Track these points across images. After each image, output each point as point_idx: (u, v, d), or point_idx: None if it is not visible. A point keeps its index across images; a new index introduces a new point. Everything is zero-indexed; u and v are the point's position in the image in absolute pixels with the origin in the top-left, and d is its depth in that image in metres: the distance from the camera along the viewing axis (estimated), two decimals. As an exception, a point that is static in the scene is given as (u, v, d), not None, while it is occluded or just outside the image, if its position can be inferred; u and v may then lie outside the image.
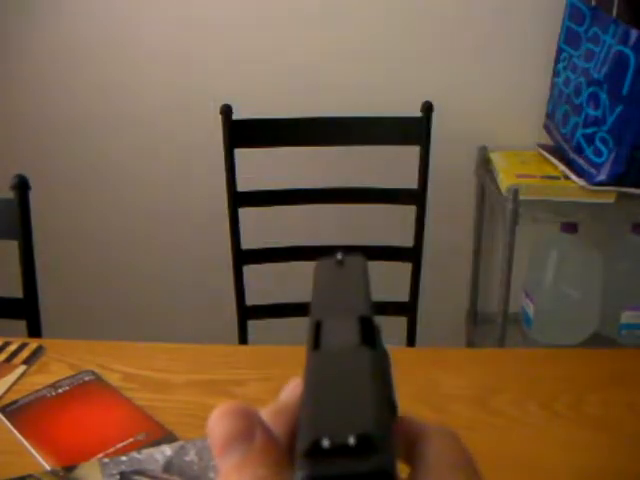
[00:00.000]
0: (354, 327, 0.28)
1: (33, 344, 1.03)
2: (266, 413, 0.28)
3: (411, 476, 0.27)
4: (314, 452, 0.22)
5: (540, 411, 0.88)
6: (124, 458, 0.79)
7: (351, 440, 0.22)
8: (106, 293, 1.99)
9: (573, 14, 1.59)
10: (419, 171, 1.46)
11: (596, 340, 1.67)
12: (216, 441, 0.25)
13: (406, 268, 1.51)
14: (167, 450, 0.80)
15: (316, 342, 0.28)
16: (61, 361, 0.99)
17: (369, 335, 0.28)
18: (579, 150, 1.53)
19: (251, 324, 1.53)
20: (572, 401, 0.90)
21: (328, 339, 0.28)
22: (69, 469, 0.78)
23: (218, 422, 0.26)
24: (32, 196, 1.22)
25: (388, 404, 0.27)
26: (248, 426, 0.25)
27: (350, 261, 0.35)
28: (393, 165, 1.71)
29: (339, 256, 0.35)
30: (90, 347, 1.03)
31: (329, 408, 0.24)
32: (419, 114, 1.44)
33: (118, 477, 0.76)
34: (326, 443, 0.22)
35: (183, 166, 1.87)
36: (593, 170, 1.48)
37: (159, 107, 1.82)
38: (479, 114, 1.78)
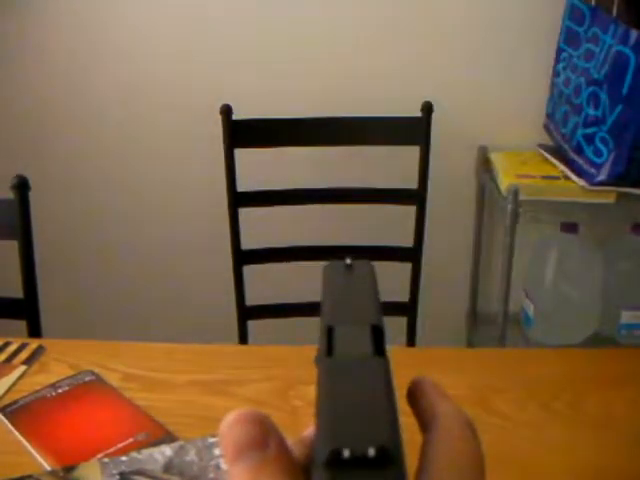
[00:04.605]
0: (366, 336, 0.29)
1: (33, 344, 1.03)
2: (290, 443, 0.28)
3: (417, 466, 0.27)
4: (333, 462, 0.22)
5: (540, 411, 0.88)
6: (124, 458, 0.79)
7: (371, 452, 0.22)
8: (106, 293, 1.99)
9: (573, 14, 1.59)
10: (419, 171, 1.46)
11: (596, 340, 1.67)
12: (229, 448, 0.25)
13: (406, 268, 1.51)
14: (167, 450, 0.81)
15: (329, 348, 0.28)
16: (61, 361, 0.99)
17: (380, 344, 0.28)
18: (579, 150, 1.53)
19: (251, 324, 1.53)
20: (572, 401, 0.90)
21: (341, 346, 0.28)
22: (69, 469, 0.78)
23: (231, 428, 0.25)
24: (32, 196, 1.23)
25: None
26: (262, 434, 0.25)
27: (359, 266, 0.36)
28: (393, 165, 1.71)
29: (348, 260, 0.36)
30: (90, 347, 1.03)
31: (347, 418, 0.24)
32: (419, 114, 1.44)
33: (118, 477, 0.76)
34: (346, 453, 0.22)
35: (183, 166, 1.87)
36: (593, 170, 1.48)
37: (159, 107, 1.81)
38: (479, 114, 1.78)
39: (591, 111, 1.48)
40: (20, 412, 0.88)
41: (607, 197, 1.51)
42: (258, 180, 1.48)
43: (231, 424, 0.26)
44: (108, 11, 1.76)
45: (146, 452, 0.80)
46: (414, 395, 0.30)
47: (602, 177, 1.47)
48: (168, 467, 0.78)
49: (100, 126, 1.84)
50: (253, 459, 0.25)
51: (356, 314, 0.31)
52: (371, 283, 0.34)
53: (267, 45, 1.76)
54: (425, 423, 0.29)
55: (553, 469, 0.79)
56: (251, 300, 1.52)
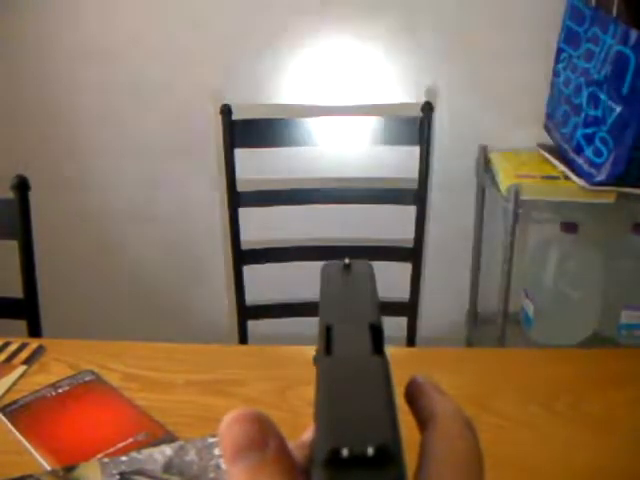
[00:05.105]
0: (365, 335, 0.28)
1: (33, 344, 1.03)
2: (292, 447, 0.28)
3: (416, 464, 0.27)
4: (332, 461, 0.22)
5: (540, 411, 0.88)
6: (124, 458, 0.79)
7: (370, 451, 0.22)
8: (106, 293, 1.99)
9: (573, 14, 1.59)
10: (419, 171, 1.46)
11: (596, 340, 1.67)
12: (228, 447, 0.25)
13: (406, 268, 1.51)
14: (167, 450, 0.80)
15: (328, 347, 0.28)
16: (61, 361, 0.99)
17: (379, 343, 0.28)
18: (579, 150, 1.53)
19: (251, 324, 1.53)
20: (572, 401, 0.90)
21: (340, 345, 0.28)
22: (69, 469, 0.78)
23: (230, 428, 0.25)
24: (32, 196, 1.22)
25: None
26: (261, 434, 0.25)
27: (357, 266, 0.35)
28: (393, 165, 1.72)
29: (347, 260, 0.35)
30: (90, 347, 1.03)
31: (346, 417, 0.24)
32: (419, 114, 1.44)
33: (118, 477, 0.76)
34: (345, 453, 0.22)
35: (183, 166, 1.87)
36: (593, 170, 1.48)
37: (159, 107, 1.81)
38: (479, 114, 1.78)
39: (591, 111, 1.48)
40: (20, 412, 0.88)
41: (607, 197, 1.51)
42: (258, 180, 1.48)
43: (230, 424, 0.25)
44: (108, 11, 1.75)
45: (146, 452, 0.80)
46: (412, 394, 0.30)
47: (602, 177, 1.47)
48: (168, 467, 0.78)
49: (100, 126, 1.84)
50: (252, 459, 0.25)
51: (355, 313, 0.31)
52: (369, 283, 0.34)
53: (267, 44, 1.76)
54: (423, 422, 0.29)
55: (553, 469, 0.79)
56: (251, 300, 1.52)
